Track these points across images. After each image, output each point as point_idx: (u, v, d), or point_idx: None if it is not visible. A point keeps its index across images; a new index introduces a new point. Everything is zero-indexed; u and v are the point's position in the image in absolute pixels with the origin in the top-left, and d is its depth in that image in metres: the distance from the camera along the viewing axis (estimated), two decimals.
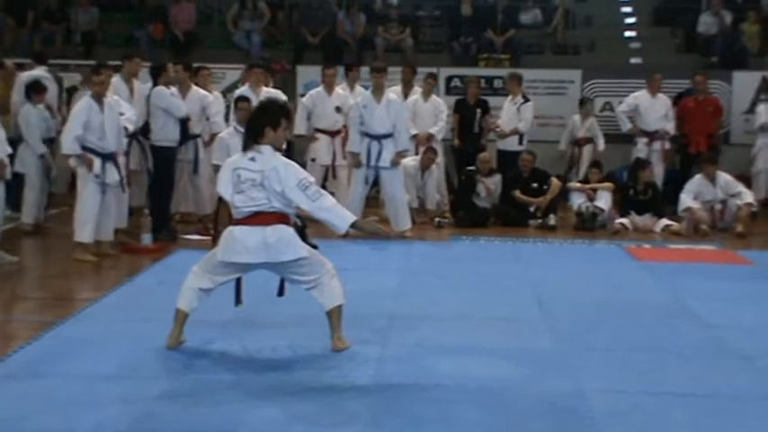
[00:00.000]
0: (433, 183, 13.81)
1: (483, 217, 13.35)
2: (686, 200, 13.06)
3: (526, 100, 14.84)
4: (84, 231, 10.31)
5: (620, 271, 10.39)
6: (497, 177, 13.71)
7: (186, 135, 11.90)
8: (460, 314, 8.14)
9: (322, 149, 13.37)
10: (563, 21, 18.65)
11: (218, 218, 11.35)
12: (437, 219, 13.33)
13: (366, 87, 12.91)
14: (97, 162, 10.26)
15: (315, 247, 6.88)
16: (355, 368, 6.55)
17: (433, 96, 14.57)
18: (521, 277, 9.88)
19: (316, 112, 13.44)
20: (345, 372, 6.48)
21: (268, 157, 6.62)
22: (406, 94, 14.02)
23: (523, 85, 15.11)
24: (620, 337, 7.55)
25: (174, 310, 6.91)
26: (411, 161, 13.39)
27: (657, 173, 14.37)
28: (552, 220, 13.23)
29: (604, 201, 13.32)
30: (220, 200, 11.43)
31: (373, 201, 13.33)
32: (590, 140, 15.51)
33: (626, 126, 15.09)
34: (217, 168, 11.38)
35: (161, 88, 11.65)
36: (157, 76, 11.78)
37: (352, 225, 6.73)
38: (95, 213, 10.32)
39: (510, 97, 15.00)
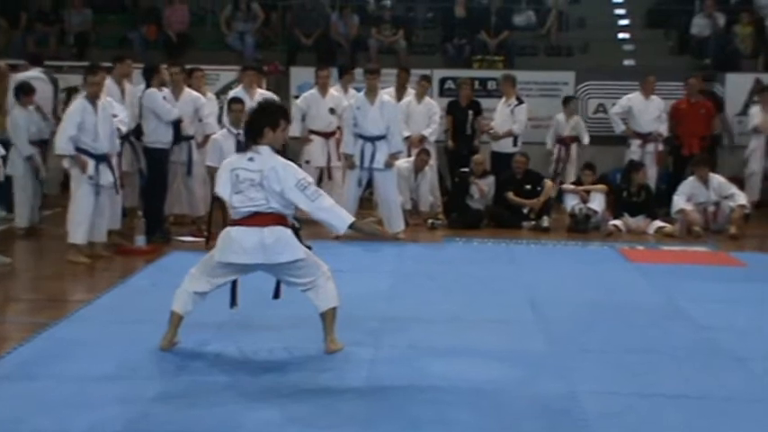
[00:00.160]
0: (427, 184, 13.81)
1: (476, 219, 13.35)
2: (679, 202, 13.09)
3: (520, 102, 14.84)
4: (77, 233, 10.31)
5: (614, 273, 10.40)
6: (491, 179, 13.72)
7: (179, 137, 11.89)
8: (454, 316, 8.14)
9: (316, 151, 13.38)
10: (556, 22, 18.67)
11: (212, 219, 11.39)
12: (430, 220, 13.33)
13: (359, 90, 12.92)
14: (91, 163, 10.25)
15: (309, 248, 6.88)
16: (349, 370, 6.56)
17: (427, 98, 14.57)
18: (514, 279, 9.88)
19: (310, 113, 13.45)
20: (339, 373, 6.48)
21: (267, 158, 6.63)
22: (399, 98, 14.02)
23: (517, 86, 15.12)
24: (613, 338, 7.56)
25: (169, 313, 6.91)
26: (404, 163, 13.39)
27: (651, 175, 14.39)
28: (545, 221, 13.24)
29: (598, 202, 13.33)
30: (214, 202, 11.51)
31: (367, 202, 13.33)
32: (576, 139, 15.52)
33: (619, 128, 15.12)
34: (210, 170, 11.46)
35: (153, 91, 11.64)
36: (150, 77, 11.78)
37: (351, 226, 6.74)
38: (89, 215, 10.31)
39: (504, 99, 15.00)
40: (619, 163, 14.97)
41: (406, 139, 13.55)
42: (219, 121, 12.58)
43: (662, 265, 10.91)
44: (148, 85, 11.74)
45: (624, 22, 19.68)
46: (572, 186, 13.76)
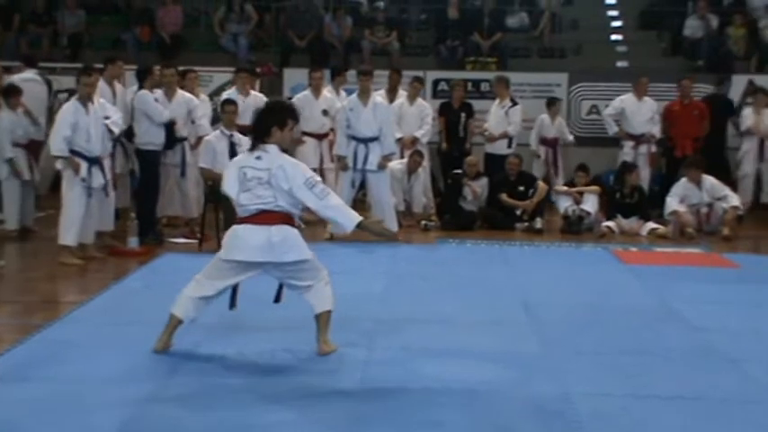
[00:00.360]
0: (420, 186, 13.82)
1: (469, 220, 13.36)
2: (672, 203, 13.10)
3: (514, 103, 14.85)
4: (69, 234, 10.29)
5: (607, 274, 10.41)
6: (484, 181, 13.73)
7: (173, 138, 11.87)
8: (447, 317, 8.13)
9: (309, 153, 13.38)
10: (549, 24, 18.69)
11: (205, 221, 11.38)
12: (423, 222, 13.33)
13: (349, 92, 12.92)
14: (84, 166, 10.24)
15: None
16: (342, 371, 6.55)
17: (419, 100, 14.59)
18: (507, 280, 9.88)
19: (303, 115, 13.32)
20: (332, 375, 6.47)
21: (274, 156, 6.64)
22: (391, 100, 14.02)
23: (510, 88, 15.12)
24: (606, 340, 7.56)
25: (168, 315, 6.88)
26: (398, 164, 13.40)
27: (644, 176, 14.41)
28: (538, 223, 13.25)
29: (591, 204, 13.34)
30: (207, 204, 11.51)
31: (360, 204, 13.31)
32: (559, 140, 15.58)
33: (612, 129, 15.14)
34: (203, 171, 11.45)
35: (144, 92, 11.64)
36: (143, 79, 11.77)
37: (359, 225, 6.75)
38: (81, 217, 10.30)
39: (497, 101, 15.00)
40: (612, 164, 14.99)
41: (399, 140, 13.56)
42: (213, 122, 12.58)
43: (655, 266, 10.91)
44: (141, 87, 11.73)
45: (617, 23, 19.71)
46: (565, 188, 13.76)
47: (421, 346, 7.24)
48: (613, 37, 19.25)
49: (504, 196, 13.50)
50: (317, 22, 17.94)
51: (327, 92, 13.78)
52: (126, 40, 17.90)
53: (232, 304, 7.03)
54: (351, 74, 14.29)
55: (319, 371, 6.55)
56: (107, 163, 10.64)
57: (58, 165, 10.40)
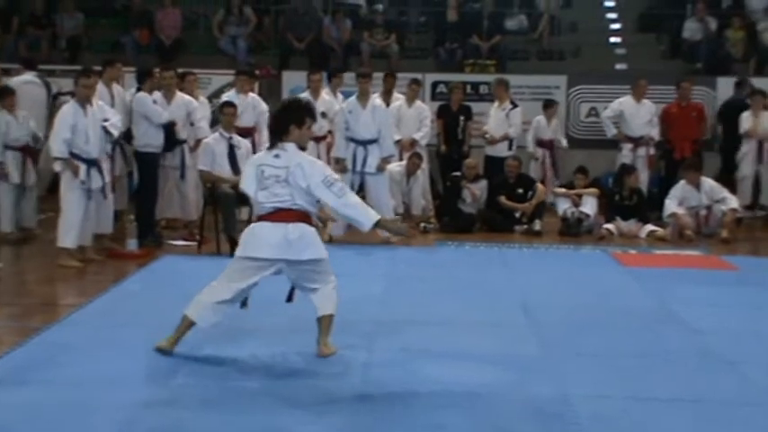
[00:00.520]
0: (419, 188, 13.83)
1: (468, 222, 13.36)
2: (671, 205, 13.10)
3: (515, 106, 14.85)
4: (68, 237, 10.28)
5: (606, 276, 10.41)
6: (483, 183, 13.73)
7: (173, 140, 11.86)
8: (446, 319, 8.13)
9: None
10: (548, 27, 18.69)
11: (204, 224, 11.38)
12: (422, 224, 13.33)
13: (347, 94, 12.92)
14: (82, 168, 10.23)
15: None
16: (341, 374, 6.55)
17: (418, 102, 14.60)
18: (506, 283, 9.88)
19: None
20: (331, 377, 6.47)
21: (292, 154, 6.67)
22: (387, 103, 14.01)
23: (510, 90, 15.13)
24: (606, 342, 7.56)
25: (181, 316, 6.84)
26: (396, 167, 13.41)
27: (643, 179, 14.40)
28: (537, 225, 13.25)
29: (590, 206, 13.34)
30: (206, 206, 11.51)
31: None
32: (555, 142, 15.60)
33: (611, 132, 15.12)
34: (201, 174, 11.45)
35: (142, 94, 11.63)
36: (143, 81, 11.77)
37: (377, 223, 6.75)
38: (80, 219, 10.29)
39: (497, 103, 14.99)
40: (611, 167, 14.98)
41: (397, 142, 13.56)
42: (212, 125, 12.57)
43: (654, 268, 10.91)
44: (139, 89, 11.73)
45: (616, 26, 19.70)
46: (564, 190, 13.76)
47: (420, 348, 7.24)
48: (612, 39, 19.25)
49: (502, 198, 13.50)
50: (315, 25, 17.94)
51: (326, 94, 13.78)
52: (125, 43, 17.89)
53: (243, 303, 7.01)
54: (348, 76, 14.28)
55: (319, 373, 6.55)
56: (105, 165, 10.63)
57: (57, 167, 10.37)
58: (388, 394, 6.14)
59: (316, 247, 6.72)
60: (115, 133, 10.97)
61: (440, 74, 17.13)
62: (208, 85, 15.96)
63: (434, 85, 16.78)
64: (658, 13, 19.21)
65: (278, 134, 6.76)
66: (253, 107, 13.07)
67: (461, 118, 14.93)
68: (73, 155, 10.20)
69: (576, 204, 13.38)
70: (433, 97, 16.48)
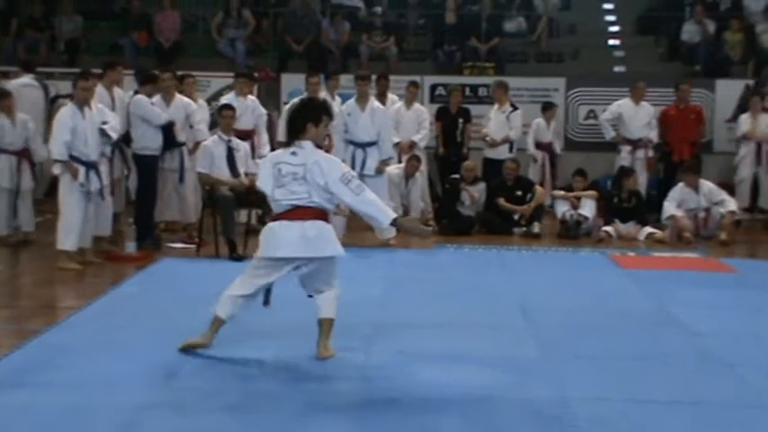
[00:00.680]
0: (418, 191, 13.83)
1: (467, 225, 13.36)
2: (670, 208, 13.11)
3: (515, 108, 14.86)
4: (68, 239, 10.28)
5: (605, 279, 10.40)
6: (481, 185, 13.73)
7: (173, 142, 11.86)
8: (445, 322, 8.13)
9: None
10: (547, 29, 18.68)
11: (203, 226, 11.38)
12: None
13: (344, 96, 12.92)
14: (81, 170, 10.24)
15: None
16: (340, 376, 6.55)
17: (416, 104, 14.61)
18: (505, 285, 9.88)
19: None
20: (330, 379, 6.47)
21: (310, 152, 6.69)
22: (382, 105, 14.00)
23: (509, 92, 15.14)
24: (604, 344, 7.56)
25: (212, 316, 6.87)
26: (395, 169, 13.41)
27: (641, 181, 14.40)
28: (536, 227, 13.25)
29: (588, 209, 13.35)
30: (205, 208, 11.51)
31: None
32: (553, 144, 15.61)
33: (609, 134, 15.12)
34: (200, 176, 11.44)
35: (140, 97, 11.64)
36: (142, 83, 11.77)
37: (394, 222, 6.77)
38: (80, 222, 10.30)
39: (496, 106, 15.00)
40: (609, 169, 14.99)
41: (396, 145, 13.56)
42: (211, 127, 12.57)
43: (653, 271, 10.92)
44: (137, 91, 11.73)
45: (614, 28, 19.70)
46: (562, 192, 13.77)
47: (419, 350, 7.23)
48: (611, 42, 19.24)
49: (501, 201, 13.50)
50: (314, 27, 17.92)
51: (324, 97, 13.76)
52: (123, 46, 17.88)
53: (266, 301, 7.01)
54: (345, 78, 14.28)
55: (317, 376, 6.55)
56: (104, 168, 10.63)
57: (56, 170, 10.38)
58: (386, 397, 6.14)
59: (335, 244, 6.76)
60: (114, 136, 10.98)
61: (438, 76, 17.14)
62: (206, 87, 15.95)
63: (433, 87, 16.78)
64: (657, 16, 19.21)
65: (295, 132, 6.77)
66: (251, 110, 13.05)
67: (460, 120, 14.93)
68: (72, 157, 10.20)
69: (575, 207, 13.38)
70: (432, 99, 16.49)
